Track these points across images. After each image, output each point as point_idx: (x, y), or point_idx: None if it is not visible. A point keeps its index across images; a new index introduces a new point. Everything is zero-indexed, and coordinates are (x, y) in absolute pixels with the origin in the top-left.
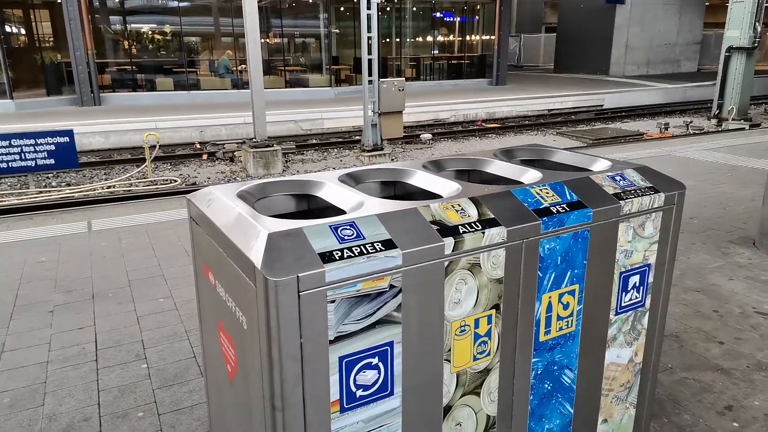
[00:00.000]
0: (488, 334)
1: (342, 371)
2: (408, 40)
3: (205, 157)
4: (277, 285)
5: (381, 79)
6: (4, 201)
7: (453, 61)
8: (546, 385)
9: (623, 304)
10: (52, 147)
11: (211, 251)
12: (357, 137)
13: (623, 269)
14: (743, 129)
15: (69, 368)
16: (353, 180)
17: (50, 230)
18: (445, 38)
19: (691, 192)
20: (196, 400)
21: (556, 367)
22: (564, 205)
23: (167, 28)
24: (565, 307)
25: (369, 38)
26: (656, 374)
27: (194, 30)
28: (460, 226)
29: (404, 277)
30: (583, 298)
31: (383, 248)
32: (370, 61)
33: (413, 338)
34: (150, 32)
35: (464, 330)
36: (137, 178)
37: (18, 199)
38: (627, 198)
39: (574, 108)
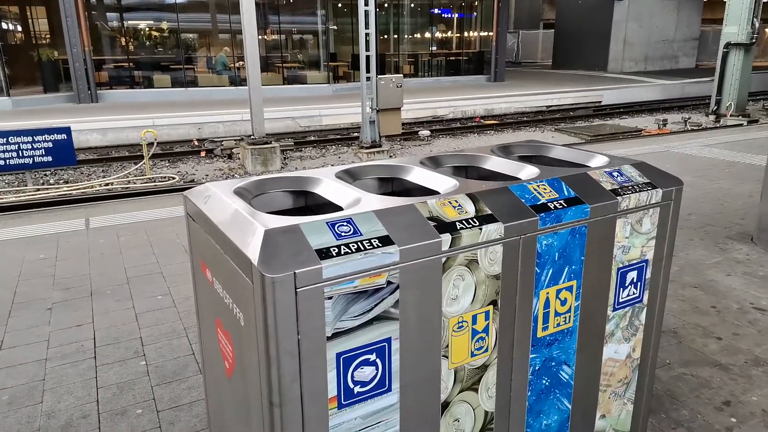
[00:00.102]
0: (486, 330)
1: (339, 367)
2: (406, 36)
3: (203, 154)
4: (274, 281)
5: (379, 76)
6: (2, 199)
7: (451, 58)
8: (544, 381)
9: (621, 300)
10: (50, 144)
11: (208, 248)
12: (355, 134)
13: (621, 265)
14: (741, 125)
15: (67, 365)
16: (350, 176)
17: (48, 227)
18: (443, 35)
19: (689, 188)
20: (195, 397)
21: (553, 363)
22: (561, 201)
23: (164, 25)
24: (563, 303)
25: (367, 35)
26: (654, 370)
27: (192, 27)
28: (457, 222)
29: (401, 273)
30: (580, 294)
31: (380, 244)
32: (368, 57)
33: (411, 334)
34: (147, 29)
35: (462, 326)
36: (135, 176)
37: (16, 197)
38: (624, 194)
39: (572, 104)
